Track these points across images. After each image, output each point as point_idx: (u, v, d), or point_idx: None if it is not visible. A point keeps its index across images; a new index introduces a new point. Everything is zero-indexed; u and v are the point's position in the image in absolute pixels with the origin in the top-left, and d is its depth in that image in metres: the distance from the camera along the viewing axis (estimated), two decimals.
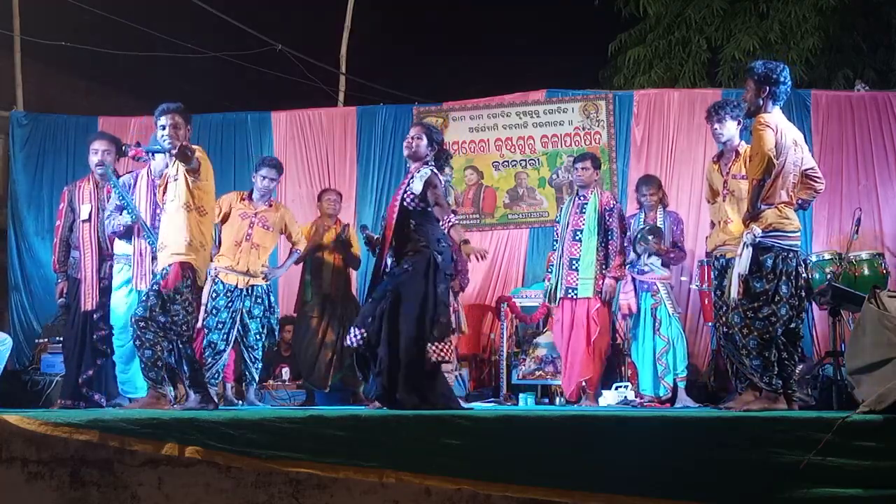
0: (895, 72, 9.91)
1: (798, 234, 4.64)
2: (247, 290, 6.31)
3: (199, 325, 6.05)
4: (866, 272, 5.81)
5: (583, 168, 6.44)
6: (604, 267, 6.28)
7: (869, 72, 9.94)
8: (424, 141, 4.91)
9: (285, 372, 7.32)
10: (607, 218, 6.31)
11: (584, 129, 8.04)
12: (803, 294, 4.68)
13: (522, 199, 8.20)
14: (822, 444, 3.29)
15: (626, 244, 6.44)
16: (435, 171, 4.86)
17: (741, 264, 4.54)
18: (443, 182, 4.96)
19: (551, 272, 6.48)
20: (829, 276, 5.73)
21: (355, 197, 8.24)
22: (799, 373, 5.03)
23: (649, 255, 6.39)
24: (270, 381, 7.21)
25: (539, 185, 8.15)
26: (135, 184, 5.49)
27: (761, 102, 4.60)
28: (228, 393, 6.49)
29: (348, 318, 6.80)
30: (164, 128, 4.86)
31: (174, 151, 4.74)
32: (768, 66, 4.63)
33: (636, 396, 6.51)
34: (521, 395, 7.00)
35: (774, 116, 4.57)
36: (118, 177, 5.61)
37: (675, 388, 6.37)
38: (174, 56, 9.66)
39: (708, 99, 7.28)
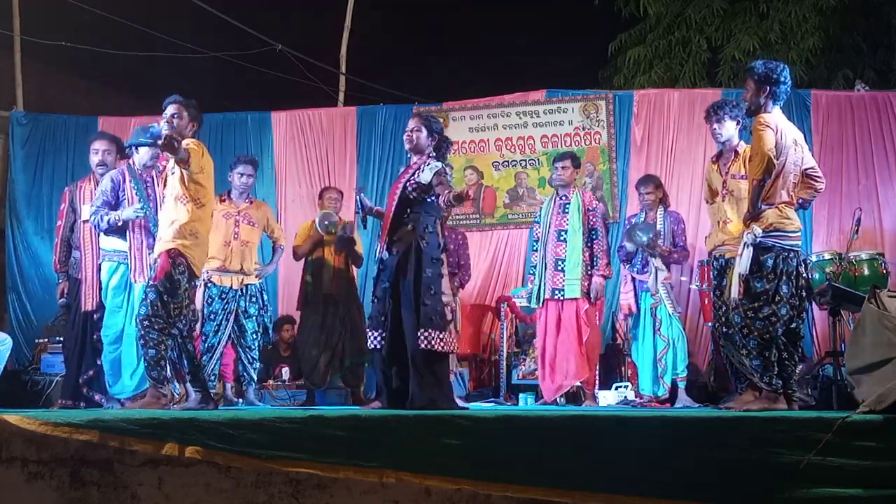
0: (895, 72, 9.91)
1: (798, 234, 4.64)
2: (241, 289, 6.32)
3: (195, 332, 6.07)
4: (866, 272, 5.81)
5: (562, 167, 6.43)
6: (590, 267, 6.28)
7: (869, 72, 9.94)
8: (424, 132, 4.90)
9: (285, 372, 7.32)
10: (591, 218, 6.32)
11: (584, 129, 8.04)
12: (804, 294, 4.68)
13: (522, 199, 8.20)
14: (822, 444, 3.29)
15: (623, 242, 6.44)
16: (443, 166, 4.85)
17: (742, 264, 4.54)
18: (447, 174, 4.95)
19: (534, 273, 6.47)
20: (829, 276, 5.72)
21: (355, 198, 8.22)
22: (799, 373, 5.03)
23: (651, 256, 6.37)
24: (270, 381, 7.21)
25: (539, 185, 8.15)
26: (123, 179, 5.47)
27: (761, 102, 4.60)
28: (228, 393, 6.50)
29: (350, 318, 6.81)
30: (165, 117, 4.86)
31: (161, 142, 4.73)
32: (768, 65, 4.63)
33: (636, 396, 6.51)
34: (521, 395, 7.00)
35: (774, 116, 4.57)
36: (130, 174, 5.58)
37: (674, 388, 6.37)
38: (174, 56, 9.66)
39: (708, 99, 7.27)
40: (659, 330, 6.36)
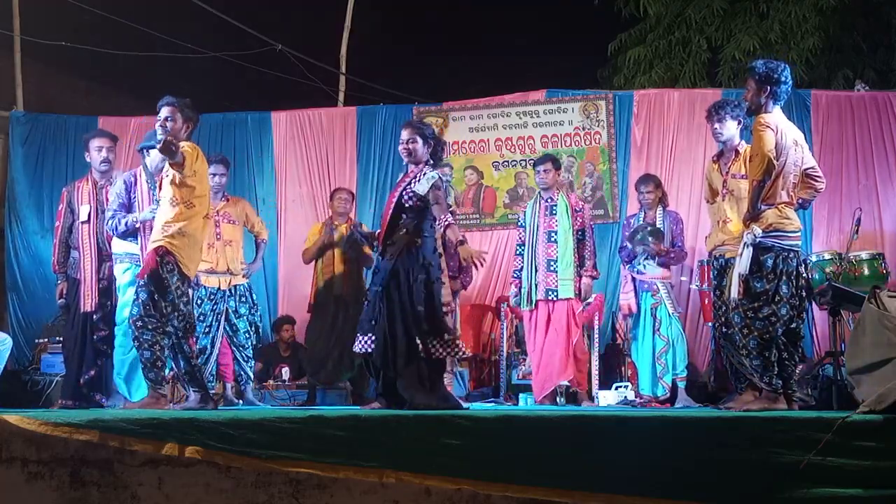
0: (895, 72, 9.91)
1: (798, 234, 4.64)
2: (229, 290, 6.31)
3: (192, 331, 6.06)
4: (866, 272, 5.81)
5: (544, 171, 6.47)
6: (580, 267, 6.32)
7: (869, 72, 9.94)
8: (420, 143, 4.91)
9: (285, 372, 7.32)
10: (579, 218, 6.38)
11: (584, 129, 8.04)
12: (804, 294, 4.68)
13: (522, 199, 8.19)
14: (822, 444, 3.29)
15: (624, 243, 6.45)
16: (440, 176, 4.88)
17: (741, 264, 4.54)
18: (444, 185, 4.97)
19: (519, 276, 6.47)
20: (829, 276, 5.72)
21: (356, 196, 8.23)
22: (799, 373, 5.03)
23: (647, 257, 6.39)
24: (270, 381, 7.21)
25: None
26: (135, 181, 5.47)
27: (762, 102, 4.60)
28: (228, 393, 6.50)
29: (361, 318, 6.79)
30: (159, 119, 4.86)
31: (159, 146, 4.73)
32: (769, 65, 4.63)
33: (636, 396, 6.51)
34: (521, 395, 7.00)
35: (775, 116, 4.57)
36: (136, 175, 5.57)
37: (674, 388, 6.37)
38: (174, 56, 9.66)
39: (708, 99, 7.27)
40: (658, 330, 6.36)
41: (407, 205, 4.81)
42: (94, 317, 5.57)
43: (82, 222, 5.66)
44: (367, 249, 6.93)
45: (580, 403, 6.35)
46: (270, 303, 8.13)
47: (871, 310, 3.98)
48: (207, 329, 6.20)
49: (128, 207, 5.40)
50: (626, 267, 6.56)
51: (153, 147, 5.14)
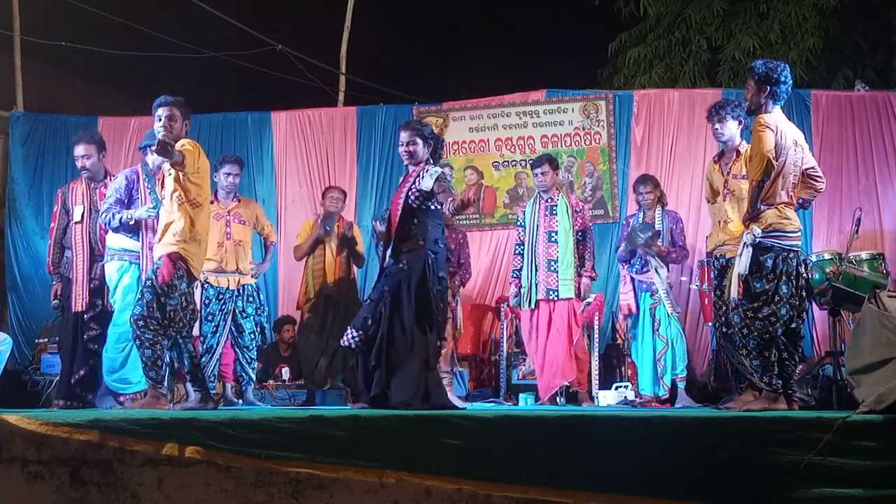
0: (895, 72, 9.91)
1: (798, 234, 4.64)
2: (238, 289, 6.32)
3: (195, 332, 6.06)
4: (866, 272, 5.81)
5: (542, 173, 6.48)
6: (580, 267, 6.34)
7: (869, 72, 9.94)
8: (420, 143, 4.90)
9: (285, 372, 7.32)
10: (579, 219, 6.40)
11: (584, 129, 8.05)
12: (804, 294, 4.68)
13: (522, 199, 8.19)
14: (822, 444, 3.29)
15: (623, 242, 6.46)
16: (443, 171, 4.88)
17: (741, 264, 4.54)
18: (447, 179, 4.97)
19: (518, 276, 6.47)
20: (829, 276, 5.72)
21: (355, 197, 8.24)
22: (799, 373, 5.03)
23: (653, 258, 6.38)
24: (270, 381, 7.21)
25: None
26: (138, 178, 5.44)
27: (762, 102, 4.60)
28: (228, 393, 6.50)
29: (351, 318, 6.79)
30: (159, 119, 4.84)
31: (154, 147, 4.72)
32: (769, 65, 4.63)
33: (636, 396, 6.51)
34: (521, 395, 7.00)
35: (775, 116, 4.57)
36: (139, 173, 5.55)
37: (674, 388, 6.37)
38: (174, 56, 9.66)
39: (708, 99, 7.28)
40: (657, 330, 6.36)
41: (415, 205, 4.80)
42: (85, 316, 5.56)
43: (75, 223, 5.65)
44: (359, 248, 6.94)
45: (580, 403, 6.35)
46: (270, 303, 8.12)
47: (871, 310, 3.98)
48: (215, 329, 6.21)
49: (126, 203, 5.36)
50: (626, 267, 6.56)
51: (152, 146, 5.13)
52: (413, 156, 4.90)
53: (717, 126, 5.26)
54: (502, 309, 7.34)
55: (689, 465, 3.34)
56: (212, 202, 6.36)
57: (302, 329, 6.99)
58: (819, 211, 7.39)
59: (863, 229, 6.44)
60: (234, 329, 6.31)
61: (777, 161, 4.49)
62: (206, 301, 6.21)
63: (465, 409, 4.79)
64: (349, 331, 4.81)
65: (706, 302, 6.69)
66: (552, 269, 6.34)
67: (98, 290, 5.58)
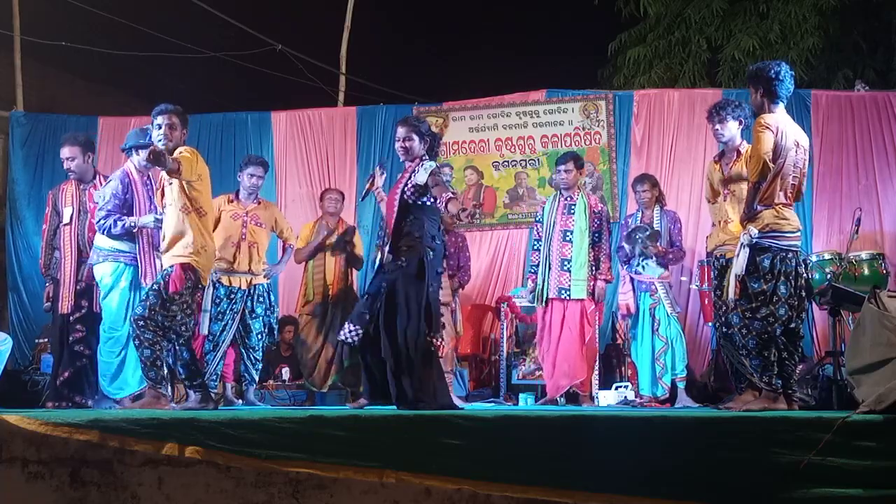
0: (895, 72, 9.91)
1: (797, 234, 4.63)
2: (249, 289, 6.32)
3: (204, 331, 6.07)
4: (866, 272, 5.81)
5: (566, 170, 6.43)
6: (594, 269, 6.30)
7: (869, 72, 9.94)
8: (416, 139, 4.91)
9: (285, 372, 7.32)
10: (596, 220, 6.35)
11: (584, 129, 8.04)
12: (803, 294, 4.68)
13: (522, 199, 8.20)
14: (822, 444, 3.29)
15: (622, 243, 6.45)
16: (438, 166, 4.91)
17: (738, 264, 4.54)
18: (440, 172, 4.96)
19: (535, 272, 6.47)
20: (829, 276, 5.72)
21: (356, 197, 8.24)
22: (799, 373, 5.03)
23: (645, 258, 6.38)
24: (270, 381, 7.21)
25: (539, 185, 8.15)
26: (131, 181, 5.42)
27: (761, 102, 4.60)
28: (228, 393, 6.50)
29: (356, 308, 6.80)
30: (159, 127, 4.85)
31: (147, 157, 4.73)
32: (759, 65, 4.67)
33: (636, 396, 6.51)
34: (521, 395, 7.00)
35: (776, 117, 4.56)
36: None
37: (674, 388, 6.37)
38: (174, 56, 9.66)
39: (708, 99, 7.28)
40: (657, 330, 6.36)
41: (410, 201, 4.81)
42: (71, 318, 5.56)
43: (64, 224, 5.64)
44: (357, 252, 6.95)
45: (580, 403, 6.35)
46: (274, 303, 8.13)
47: (871, 310, 3.98)
48: (224, 328, 6.22)
49: (123, 207, 5.36)
50: (624, 267, 6.56)
51: (141, 147, 5.13)
52: (409, 151, 4.91)
53: (718, 126, 5.25)
54: (502, 309, 7.34)
55: (689, 465, 3.34)
56: (231, 201, 6.39)
57: (301, 331, 6.99)
58: (819, 211, 7.39)
59: (863, 229, 6.45)
60: (241, 329, 6.31)
61: (775, 162, 4.48)
62: (217, 300, 6.21)
63: (463, 408, 4.80)
64: (346, 325, 4.84)
65: (706, 302, 6.69)
66: (565, 268, 6.31)
67: (84, 291, 5.58)
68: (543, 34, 13.05)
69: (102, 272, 5.39)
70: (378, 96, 9.64)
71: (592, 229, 6.32)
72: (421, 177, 4.77)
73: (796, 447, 3.31)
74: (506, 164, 8.25)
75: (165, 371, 4.88)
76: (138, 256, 5.33)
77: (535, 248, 6.57)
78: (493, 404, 6.70)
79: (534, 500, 3.29)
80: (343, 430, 3.33)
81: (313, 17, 10.98)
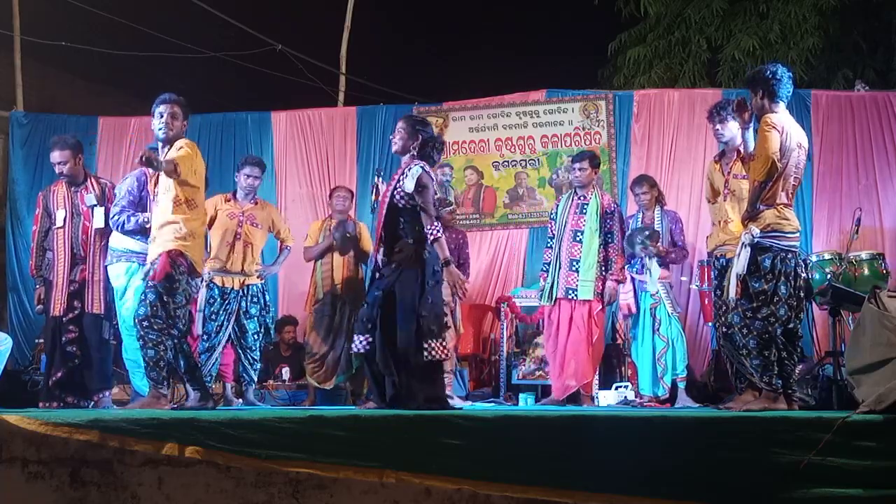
0: (895, 72, 9.91)
1: (797, 234, 4.64)
2: (242, 290, 6.32)
3: (199, 331, 6.06)
4: (866, 272, 5.80)
5: (580, 168, 6.40)
6: (604, 269, 6.27)
7: (869, 72, 9.94)
8: (402, 134, 4.90)
9: (285, 372, 7.32)
10: (608, 221, 6.30)
11: (584, 129, 8.04)
12: (802, 295, 4.68)
13: (522, 199, 8.20)
14: (822, 444, 3.29)
15: (623, 243, 6.44)
16: (426, 168, 4.82)
17: (739, 264, 4.54)
18: (434, 180, 4.93)
19: (547, 270, 6.46)
20: (829, 276, 5.72)
21: (356, 197, 8.22)
22: (799, 373, 5.03)
23: (650, 258, 6.37)
24: (270, 381, 7.21)
25: (539, 185, 8.15)
26: (147, 181, 5.38)
27: (762, 104, 4.60)
28: (228, 393, 6.50)
29: (358, 318, 6.78)
30: (161, 115, 4.85)
31: (139, 161, 4.72)
32: (756, 69, 4.69)
33: (636, 396, 6.51)
34: (521, 395, 7.00)
35: (781, 117, 4.57)
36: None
37: (674, 388, 6.37)
38: (174, 56, 9.66)
39: (708, 99, 7.28)
40: (658, 330, 6.36)
41: (400, 205, 4.79)
42: (64, 319, 5.55)
43: (57, 228, 5.63)
44: (363, 246, 6.93)
45: (581, 403, 6.35)
46: (271, 303, 8.11)
47: (871, 310, 3.98)
48: (218, 328, 6.22)
49: (138, 205, 5.36)
50: (626, 267, 6.55)
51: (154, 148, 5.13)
52: (396, 146, 4.93)
53: (718, 126, 5.26)
54: (502, 309, 7.34)
55: (689, 465, 3.34)
56: (228, 200, 6.39)
57: (311, 328, 6.97)
58: (819, 211, 7.39)
59: (863, 229, 6.44)
60: (236, 329, 6.31)
61: (780, 162, 4.49)
62: (211, 300, 6.22)
63: (461, 408, 4.79)
64: (356, 337, 4.82)
65: (706, 302, 6.69)
66: (573, 268, 6.28)
67: (77, 293, 5.58)
68: (543, 34, 13.05)
69: (116, 272, 5.42)
70: (378, 96, 9.64)
71: (604, 229, 6.27)
72: (408, 184, 4.75)
73: (796, 447, 3.32)
74: (506, 164, 8.25)
75: (165, 371, 4.88)
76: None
77: (548, 245, 6.55)
78: (493, 404, 6.70)
79: (534, 500, 3.29)
80: (343, 430, 3.33)
81: (313, 17, 10.98)
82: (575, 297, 6.25)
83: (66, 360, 5.56)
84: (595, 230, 6.27)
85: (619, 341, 7.22)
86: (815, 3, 9.82)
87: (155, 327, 4.73)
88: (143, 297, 4.83)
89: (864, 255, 5.96)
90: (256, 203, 6.55)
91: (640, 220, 6.60)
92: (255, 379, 6.52)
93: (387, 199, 4.85)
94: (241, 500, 3.29)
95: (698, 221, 7.43)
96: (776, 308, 4.52)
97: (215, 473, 3.29)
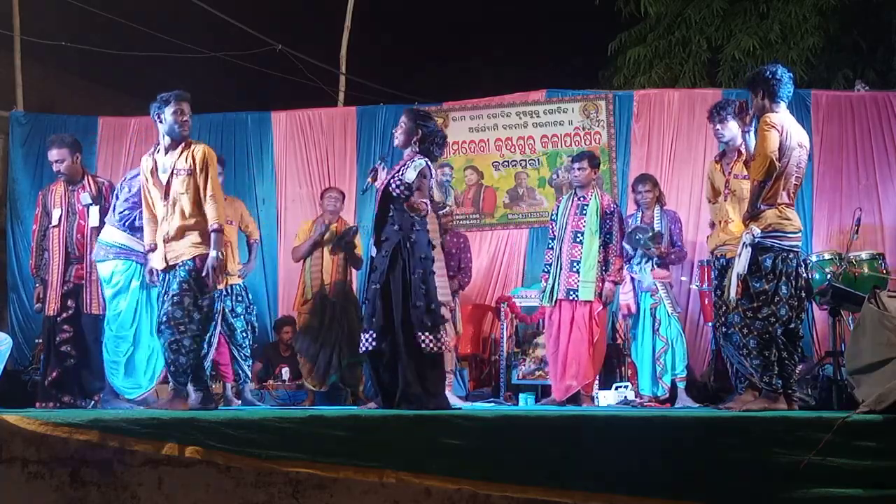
0: (895, 72, 9.91)
1: (798, 234, 4.64)
2: (226, 289, 6.31)
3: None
4: (866, 272, 5.80)
5: (579, 168, 6.41)
6: (604, 270, 6.27)
7: (869, 72, 9.93)
8: (407, 127, 4.95)
9: (285, 372, 7.32)
10: (608, 221, 6.30)
11: (584, 129, 8.04)
12: (803, 294, 4.69)
13: (522, 199, 8.20)
14: (822, 444, 3.29)
15: (623, 243, 6.44)
16: (429, 164, 4.88)
17: (740, 264, 4.54)
18: (434, 178, 4.98)
19: (548, 272, 6.46)
20: (829, 276, 5.72)
21: (356, 197, 8.23)
22: (799, 373, 5.03)
23: (647, 259, 6.37)
24: (270, 381, 7.21)
25: (539, 185, 8.15)
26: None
27: (762, 104, 4.61)
28: (228, 393, 6.50)
29: (347, 318, 6.79)
30: (176, 114, 4.80)
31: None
32: (756, 69, 4.69)
33: (636, 396, 6.51)
34: (521, 395, 7.00)
35: (781, 116, 4.57)
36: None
37: (674, 388, 6.37)
38: (174, 56, 9.66)
39: (708, 99, 7.27)
40: (657, 330, 6.36)
41: (395, 194, 4.81)
42: (58, 319, 5.55)
43: (53, 226, 5.63)
44: (358, 252, 6.93)
45: (581, 403, 6.34)
46: (270, 303, 8.13)
47: (871, 310, 3.98)
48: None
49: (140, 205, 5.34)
50: (625, 267, 6.55)
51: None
52: (398, 139, 5.00)
53: (719, 126, 5.25)
54: (502, 309, 7.34)
55: (689, 465, 3.34)
56: None
57: (299, 331, 6.98)
58: (819, 211, 7.39)
59: (863, 229, 6.44)
60: (225, 329, 6.32)
61: (780, 161, 4.49)
62: None
63: (460, 408, 4.79)
64: (362, 336, 4.81)
65: (706, 302, 6.69)
66: (574, 269, 6.28)
67: (72, 292, 5.57)
68: (543, 34, 13.05)
69: (112, 269, 5.36)
70: (378, 96, 9.64)
71: (604, 230, 6.27)
72: (409, 175, 4.79)
73: (796, 447, 3.32)
74: (506, 164, 8.25)
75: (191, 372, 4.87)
76: (148, 255, 5.29)
77: (549, 246, 6.56)
78: (493, 404, 6.70)
79: (533, 500, 3.29)
80: (343, 430, 3.34)
81: (313, 17, 10.99)
82: (576, 298, 6.25)
83: (61, 360, 5.55)
84: (595, 231, 6.28)
85: (619, 341, 7.22)
86: (815, 3, 9.82)
87: (189, 333, 4.70)
88: (177, 301, 4.72)
89: (864, 255, 5.96)
90: (225, 199, 6.53)
91: (639, 219, 6.59)
92: (249, 374, 6.55)
93: (381, 189, 4.88)
94: (241, 500, 3.29)
95: (698, 221, 7.43)
96: (777, 308, 4.52)
97: (215, 473, 3.29)
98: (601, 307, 6.27)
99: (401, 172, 4.83)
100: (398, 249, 4.74)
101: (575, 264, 6.29)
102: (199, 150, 4.85)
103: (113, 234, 5.40)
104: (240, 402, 6.44)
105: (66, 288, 5.57)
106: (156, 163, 4.92)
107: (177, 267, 4.78)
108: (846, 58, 10.28)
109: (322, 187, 8.07)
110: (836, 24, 10.05)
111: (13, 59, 8.95)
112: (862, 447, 3.35)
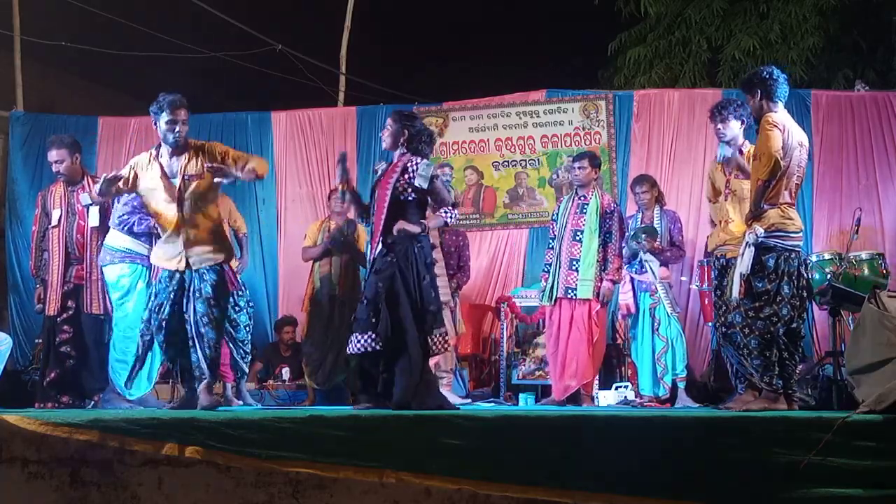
0: (895, 72, 9.91)
1: (800, 234, 4.64)
2: None
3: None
4: (866, 272, 5.80)
5: (580, 168, 6.41)
6: (603, 269, 6.28)
7: (869, 72, 9.93)
8: (393, 129, 4.97)
9: (285, 372, 7.32)
10: (608, 221, 6.29)
11: (584, 129, 8.04)
12: (804, 294, 4.69)
13: (522, 199, 8.20)
14: (822, 444, 3.29)
15: (623, 243, 6.45)
16: (428, 162, 4.91)
17: (743, 264, 4.54)
18: (434, 172, 5.00)
19: (548, 271, 6.46)
20: (829, 276, 5.72)
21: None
22: (799, 373, 5.03)
23: (649, 255, 6.37)
24: (270, 381, 7.21)
25: (539, 185, 8.15)
26: None
27: (760, 105, 4.62)
28: (228, 393, 6.50)
29: (356, 318, 6.78)
30: (174, 122, 4.80)
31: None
32: (751, 71, 4.71)
33: (636, 396, 6.51)
34: (521, 395, 7.00)
35: (781, 116, 4.58)
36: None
37: (674, 388, 6.37)
38: (174, 56, 9.66)
39: (708, 99, 7.27)
40: (657, 330, 6.36)
41: (402, 199, 4.83)
42: (58, 319, 5.55)
43: (52, 227, 5.63)
44: (360, 248, 6.93)
45: (581, 403, 6.35)
46: (270, 303, 8.13)
47: (871, 310, 3.98)
48: None
49: (147, 208, 5.33)
50: (625, 267, 6.55)
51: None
52: (385, 142, 5.04)
53: (720, 126, 5.25)
54: (502, 309, 7.34)
55: (689, 465, 3.34)
56: None
57: (308, 329, 6.97)
58: (819, 211, 7.39)
59: (863, 229, 6.44)
60: (228, 326, 6.30)
61: (783, 161, 4.49)
62: None
63: (459, 408, 4.79)
64: (359, 337, 4.73)
65: (706, 302, 6.68)
66: (573, 268, 6.27)
67: (72, 293, 5.57)
68: (543, 34, 13.05)
69: (119, 273, 5.40)
70: (378, 96, 9.63)
71: (603, 229, 6.27)
72: (422, 181, 4.80)
73: (796, 447, 3.32)
74: (506, 164, 8.25)
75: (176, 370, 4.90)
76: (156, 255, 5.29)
77: (550, 246, 6.56)
78: (493, 404, 6.70)
79: (534, 500, 3.29)
80: (343, 430, 3.34)
81: (313, 17, 10.98)
82: (574, 297, 6.25)
83: (61, 361, 5.55)
84: (594, 230, 6.28)
85: (619, 341, 7.22)
86: (815, 3, 9.82)
87: (220, 331, 4.79)
88: (213, 304, 4.74)
89: (864, 255, 5.96)
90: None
91: (639, 219, 6.60)
92: (247, 371, 6.56)
93: (387, 195, 4.85)
94: (241, 500, 3.29)
95: (698, 221, 7.43)
96: (779, 308, 4.52)
97: (215, 473, 3.29)
98: (599, 306, 6.27)
99: (407, 176, 4.83)
100: (406, 256, 4.74)
101: (574, 263, 6.29)
102: (208, 149, 4.93)
103: (117, 238, 5.44)
104: (240, 402, 6.43)
105: (66, 288, 5.57)
106: (162, 168, 4.89)
107: (201, 269, 4.78)
108: (846, 58, 10.28)
109: (322, 187, 8.07)
110: (836, 24, 10.05)
111: (13, 59, 8.95)
112: (862, 447, 3.35)
